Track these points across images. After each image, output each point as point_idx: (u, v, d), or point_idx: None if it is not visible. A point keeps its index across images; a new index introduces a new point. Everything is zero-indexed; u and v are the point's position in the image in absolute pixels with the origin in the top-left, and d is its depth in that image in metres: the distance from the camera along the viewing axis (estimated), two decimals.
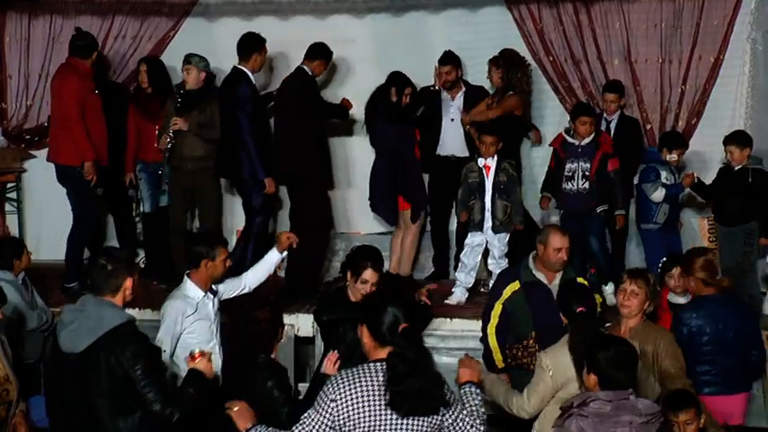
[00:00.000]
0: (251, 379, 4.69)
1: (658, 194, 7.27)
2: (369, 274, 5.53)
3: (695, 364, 5.49)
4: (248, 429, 4.21)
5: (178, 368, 5.16)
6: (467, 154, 7.90)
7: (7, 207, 8.91)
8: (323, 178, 7.63)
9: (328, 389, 3.96)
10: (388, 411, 3.90)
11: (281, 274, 7.33)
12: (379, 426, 3.91)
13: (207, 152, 7.60)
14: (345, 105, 7.87)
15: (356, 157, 8.43)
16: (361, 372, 3.98)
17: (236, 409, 4.29)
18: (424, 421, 3.95)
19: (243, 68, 7.39)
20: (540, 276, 5.86)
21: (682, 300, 6.10)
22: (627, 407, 4.10)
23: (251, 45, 7.39)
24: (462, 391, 4.28)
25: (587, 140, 7.22)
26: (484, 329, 6.05)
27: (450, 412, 4.03)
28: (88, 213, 7.59)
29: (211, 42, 8.45)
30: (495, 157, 7.16)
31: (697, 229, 8.20)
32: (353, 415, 3.91)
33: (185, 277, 5.49)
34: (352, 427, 3.92)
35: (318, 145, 7.58)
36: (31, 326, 6.58)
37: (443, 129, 8.03)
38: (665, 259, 6.33)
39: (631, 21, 8.08)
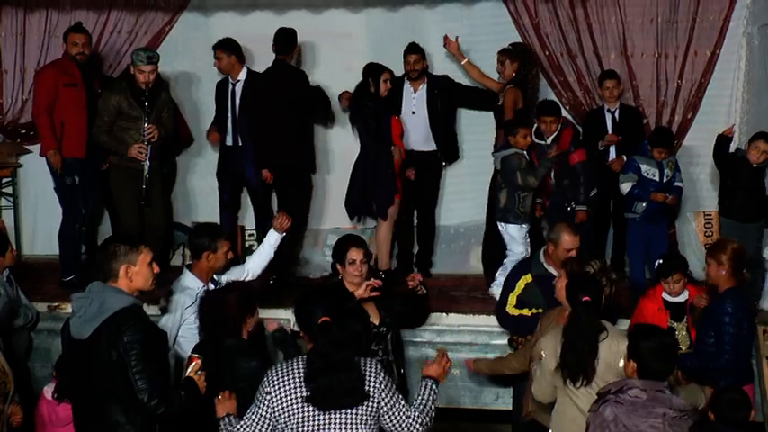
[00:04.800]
0: (224, 363, 4.69)
1: (624, 187, 7.25)
2: (354, 253, 5.51)
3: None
4: (222, 417, 4.30)
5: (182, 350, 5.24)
6: (433, 148, 7.88)
7: (3, 202, 8.89)
8: (308, 172, 7.83)
9: (264, 381, 4.06)
10: (310, 405, 3.96)
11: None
12: (305, 418, 3.98)
13: (153, 151, 7.33)
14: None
15: (353, 151, 8.40)
16: (293, 365, 4.05)
17: (219, 397, 4.37)
18: (346, 414, 3.97)
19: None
20: (551, 270, 5.90)
21: (679, 299, 6.10)
22: (662, 399, 4.23)
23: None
24: (421, 383, 4.30)
25: (550, 139, 7.20)
26: (501, 312, 6.16)
27: (387, 399, 4.03)
28: (71, 205, 7.52)
29: (207, 37, 8.44)
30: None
31: (693, 222, 8.20)
32: (284, 407, 3.99)
33: (184, 269, 5.57)
34: (284, 420, 4.00)
35: (307, 138, 7.76)
36: (17, 323, 6.53)
37: (404, 122, 7.86)
38: (660, 261, 6.23)
39: (627, 15, 8.07)
